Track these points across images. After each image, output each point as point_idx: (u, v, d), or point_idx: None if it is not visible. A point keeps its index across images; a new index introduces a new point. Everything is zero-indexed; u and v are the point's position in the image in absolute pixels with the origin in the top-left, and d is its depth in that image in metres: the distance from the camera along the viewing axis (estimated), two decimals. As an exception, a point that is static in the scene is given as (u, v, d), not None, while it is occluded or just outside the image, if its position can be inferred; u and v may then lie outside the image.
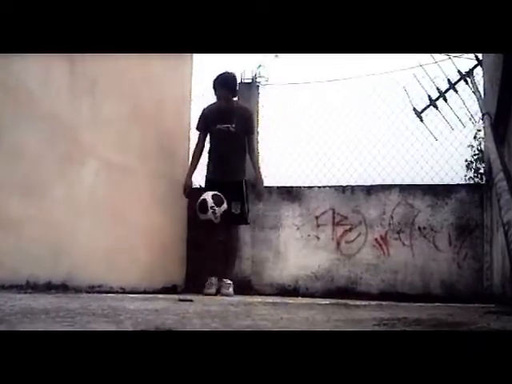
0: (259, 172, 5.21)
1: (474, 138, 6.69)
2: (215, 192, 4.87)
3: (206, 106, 5.30)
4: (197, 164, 5.23)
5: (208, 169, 5.14)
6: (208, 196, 4.84)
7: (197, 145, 5.21)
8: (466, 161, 7.36)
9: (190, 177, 5.20)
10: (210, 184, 5.04)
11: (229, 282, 4.97)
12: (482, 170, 7.35)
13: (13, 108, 3.68)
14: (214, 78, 5.22)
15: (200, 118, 5.20)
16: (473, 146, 7.30)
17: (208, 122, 5.12)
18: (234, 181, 5.03)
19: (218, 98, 5.19)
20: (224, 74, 5.23)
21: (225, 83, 5.19)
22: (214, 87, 5.19)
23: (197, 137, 5.24)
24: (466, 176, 7.31)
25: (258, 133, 5.99)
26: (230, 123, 5.06)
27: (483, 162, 6.47)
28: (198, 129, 5.22)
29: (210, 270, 5.02)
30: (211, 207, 4.79)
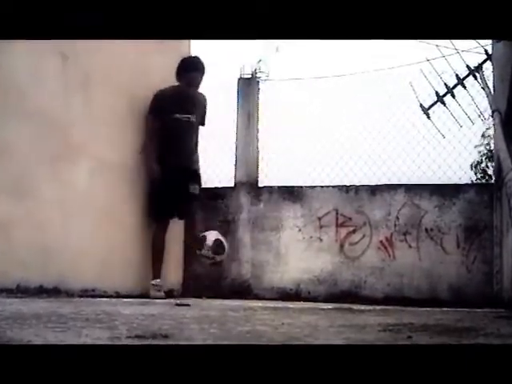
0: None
1: (482, 136, 6.70)
2: (218, 237, 4.93)
3: (159, 89, 5.04)
4: (155, 149, 4.94)
5: (163, 158, 4.92)
6: (210, 240, 4.88)
7: (151, 130, 4.94)
8: (476, 163, 7.37)
9: (155, 161, 4.91)
10: (169, 170, 4.89)
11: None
12: (490, 171, 7.37)
13: (2, 104, 3.68)
14: (185, 60, 5.05)
15: (155, 103, 4.95)
16: (482, 144, 7.32)
17: (164, 108, 4.93)
18: (191, 168, 5.08)
19: (187, 82, 4.99)
20: (196, 57, 5.09)
21: (202, 67, 5.05)
22: (184, 70, 4.99)
23: (149, 121, 4.95)
24: (473, 177, 7.32)
25: (257, 130, 5.99)
26: (191, 113, 5.01)
27: (492, 160, 6.48)
28: (154, 114, 4.93)
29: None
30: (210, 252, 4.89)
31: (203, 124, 5.27)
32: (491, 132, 6.14)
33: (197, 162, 5.19)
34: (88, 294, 4.25)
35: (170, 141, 4.97)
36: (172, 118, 4.96)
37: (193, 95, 5.10)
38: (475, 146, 6.92)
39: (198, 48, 5.86)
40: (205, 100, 5.25)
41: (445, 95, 5.61)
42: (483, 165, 8.01)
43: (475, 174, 7.64)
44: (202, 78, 5.09)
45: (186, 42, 5.74)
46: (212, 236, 4.93)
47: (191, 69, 5.01)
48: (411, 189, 5.41)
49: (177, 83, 5.09)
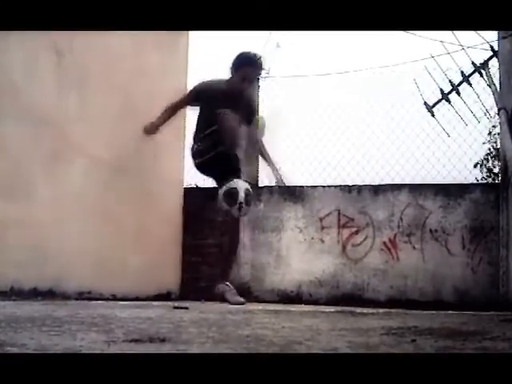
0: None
1: (489, 134, 6.69)
2: (247, 186, 4.62)
3: (205, 80, 4.94)
4: (169, 118, 4.92)
5: (213, 144, 4.69)
6: (241, 189, 4.53)
7: (181, 102, 4.94)
8: (482, 161, 7.37)
9: (157, 127, 4.90)
10: (224, 156, 4.66)
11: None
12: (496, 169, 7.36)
13: (-4, 102, 3.69)
14: (242, 55, 4.83)
15: (194, 93, 4.87)
16: (489, 142, 7.31)
17: (206, 101, 4.77)
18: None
19: (241, 77, 4.78)
20: (254, 53, 4.86)
21: (259, 64, 4.87)
22: (239, 65, 4.78)
23: (182, 101, 4.93)
24: (479, 177, 7.33)
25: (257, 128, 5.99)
26: (235, 110, 4.81)
27: (498, 159, 6.47)
28: (188, 102, 4.93)
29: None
30: (240, 203, 4.51)
31: (249, 123, 5.08)
32: (497, 130, 6.13)
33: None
34: (84, 296, 4.25)
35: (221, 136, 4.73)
36: (215, 112, 4.71)
37: (241, 92, 4.90)
38: (483, 143, 6.91)
39: (197, 46, 5.88)
40: (252, 98, 5.15)
41: (450, 93, 5.61)
42: (489, 164, 8.01)
43: (480, 172, 7.64)
44: (257, 74, 4.98)
45: (184, 39, 5.75)
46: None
47: (247, 63, 4.81)
48: (415, 189, 5.40)
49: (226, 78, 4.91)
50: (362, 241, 5.46)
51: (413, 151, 5.64)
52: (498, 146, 6.58)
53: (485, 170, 8.00)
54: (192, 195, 5.71)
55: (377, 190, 5.50)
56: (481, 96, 5.52)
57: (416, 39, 5.11)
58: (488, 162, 7.94)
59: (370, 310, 3.98)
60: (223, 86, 4.88)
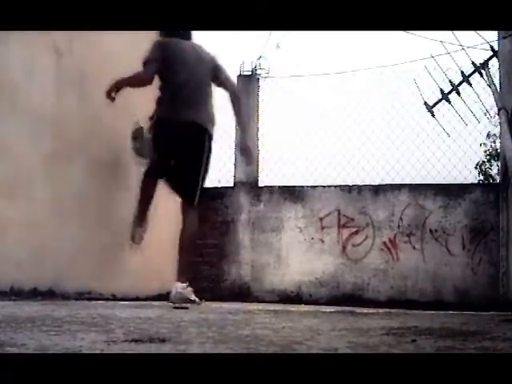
0: None
1: (488, 135, 6.69)
2: None
3: None
4: None
5: None
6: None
7: None
8: (481, 162, 7.36)
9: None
10: None
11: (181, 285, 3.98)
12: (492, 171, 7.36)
13: (-4, 102, 3.69)
14: None
15: None
16: (485, 144, 7.33)
17: None
18: None
19: None
20: None
21: None
22: None
23: None
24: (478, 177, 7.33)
25: (257, 128, 6.00)
26: None
27: (497, 160, 6.48)
28: None
29: None
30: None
31: None
32: (497, 130, 6.14)
33: None
34: (84, 296, 4.24)
35: None
36: None
37: None
38: (481, 145, 6.93)
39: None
40: None
41: (450, 93, 5.61)
42: (487, 165, 8.01)
43: (479, 174, 7.65)
44: None
45: (184, 38, 5.74)
46: None
47: None
48: (415, 189, 5.41)
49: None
50: (361, 241, 5.47)
51: (413, 151, 5.65)
52: (498, 146, 6.59)
53: (482, 170, 8.00)
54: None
55: (377, 190, 5.51)
56: (481, 96, 5.52)
57: (416, 39, 5.12)
58: (485, 163, 7.94)
59: (370, 310, 3.98)
60: None
